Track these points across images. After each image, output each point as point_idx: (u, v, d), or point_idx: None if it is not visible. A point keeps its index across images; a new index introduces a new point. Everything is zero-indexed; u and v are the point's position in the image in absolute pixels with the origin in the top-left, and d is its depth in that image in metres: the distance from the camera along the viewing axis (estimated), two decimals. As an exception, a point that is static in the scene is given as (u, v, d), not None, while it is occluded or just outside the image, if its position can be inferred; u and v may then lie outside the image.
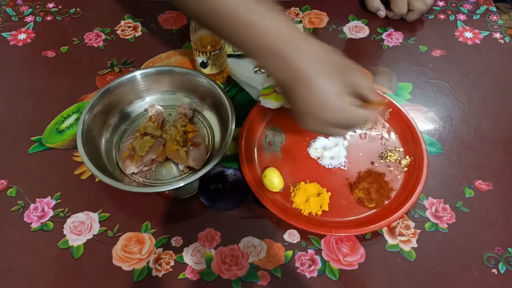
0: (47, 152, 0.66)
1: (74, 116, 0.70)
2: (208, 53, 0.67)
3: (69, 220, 0.59)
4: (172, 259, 0.56)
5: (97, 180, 0.63)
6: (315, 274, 0.55)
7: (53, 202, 0.61)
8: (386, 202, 0.59)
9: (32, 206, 0.60)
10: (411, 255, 0.56)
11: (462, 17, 0.84)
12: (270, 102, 0.68)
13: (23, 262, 0.56)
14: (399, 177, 0.62)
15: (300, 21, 0.82)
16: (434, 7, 0.85)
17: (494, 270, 0.55)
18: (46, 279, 0.55)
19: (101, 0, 0.86)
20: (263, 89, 0.70)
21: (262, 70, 0.75)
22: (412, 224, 0.58)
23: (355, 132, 0.66)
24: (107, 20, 0.83)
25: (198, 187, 0.62)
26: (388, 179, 0.61)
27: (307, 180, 0.61)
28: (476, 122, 0.69)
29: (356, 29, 0.82)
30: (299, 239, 0.58)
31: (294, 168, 0.63)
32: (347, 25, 0.82)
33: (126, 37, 0.80)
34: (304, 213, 0.58)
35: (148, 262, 0.56)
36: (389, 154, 0.64)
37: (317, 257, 0.56)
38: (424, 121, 0.69)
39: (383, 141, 0.66)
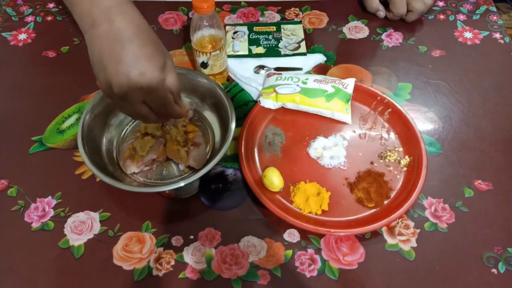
0: (47, 152, 0.66)
1: (75, 116, 0.70)
2: (208, 54, 0.67)
3: (69, 220, 0.59)
4: (172, 259, 0.56)
5: (97, 180, 0.63)
6: (314, 273, 0.55)
7: (54, 202, 0.61)
8: (385, 201, 0.59)
9: (32, 205, 0.61)
10: (410, 254, 0.56)
11: (462, 17, 0.84)
12: (270, 102, 0.68)
13: (24, 261, 0.56)
14: (398, 177, 0.62)
15: (300, 22, 0.82)
16: (433, 7, 0.85)
17: (493, 270, 0.55)
18: (46, 279, 0.55)
19: (102, 1, 0.87)
20: (263, 89, 0.70)
21: (262, 70, 0.75)
22: (412, 224, 0.59)
23: (354, 132, 0.67)
24: (107, 20, 0.83)
25: (198, 186, 0.62)
26: (388, 179, 0.62)
27: (307, 180, 0.61)
28: (476, 122, 0.69)
29: (355, 29, 0.82)
30: (299, 239, 0.58)
31: (294, 168, 0.63)
32: (346, 25, 0.82)
33: (127, 37, 0.80)
34: (304, 213, 0.58)
35: (148, 262, 0.56)
36: (388, 154, 0.64)
37: (317, 257, 0.56)
38: (424, 121, 0.69)
39: (383, 141, 0.66)
